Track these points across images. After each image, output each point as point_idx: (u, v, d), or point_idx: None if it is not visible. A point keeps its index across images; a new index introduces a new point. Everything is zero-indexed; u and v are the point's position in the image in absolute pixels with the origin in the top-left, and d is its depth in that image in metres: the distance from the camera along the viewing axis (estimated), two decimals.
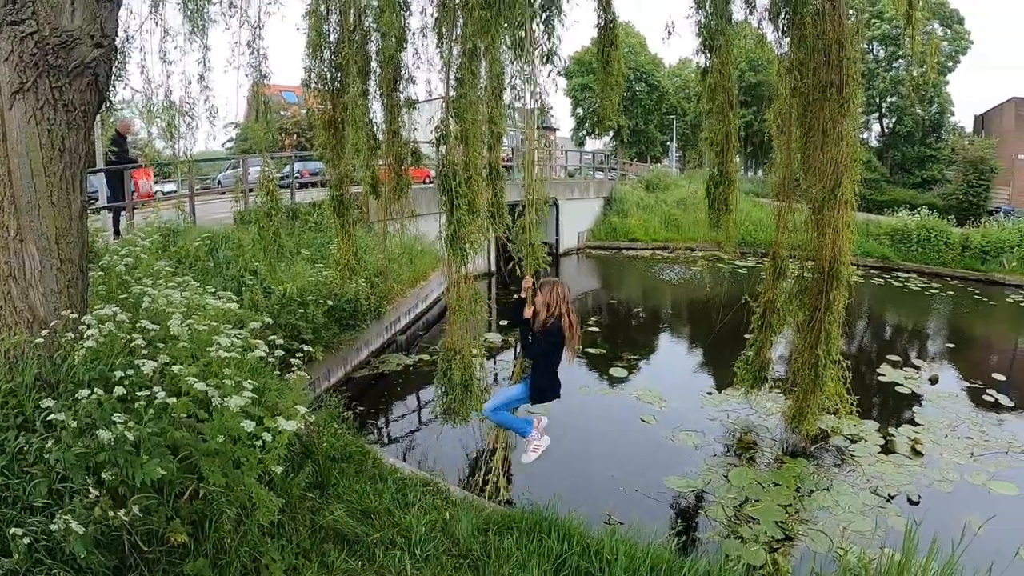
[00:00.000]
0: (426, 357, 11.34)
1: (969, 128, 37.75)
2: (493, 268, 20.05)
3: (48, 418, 3.30)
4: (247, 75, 6.48)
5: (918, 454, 8.13)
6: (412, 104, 8.16)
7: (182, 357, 3.71)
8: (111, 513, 2.93)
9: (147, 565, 3.09)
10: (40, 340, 3.75)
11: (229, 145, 30.61)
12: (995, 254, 21.99)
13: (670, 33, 7.71)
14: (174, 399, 3.27)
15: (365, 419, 8.86)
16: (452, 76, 6.04)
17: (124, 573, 3.07)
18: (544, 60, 6.73)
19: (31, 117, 3.95)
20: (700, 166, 51.49)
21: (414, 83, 8.57)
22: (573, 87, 47.04)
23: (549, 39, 7.61)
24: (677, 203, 29.02)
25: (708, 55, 8.49)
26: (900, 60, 35.75)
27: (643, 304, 18.82)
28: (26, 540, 2.89)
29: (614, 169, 33.55)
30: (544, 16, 7.24)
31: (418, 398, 10.04)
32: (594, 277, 23.13)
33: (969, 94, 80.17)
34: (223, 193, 18.47)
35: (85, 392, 3.21)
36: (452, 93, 6.08)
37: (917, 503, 6.98)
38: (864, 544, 5.98)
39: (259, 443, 3.30)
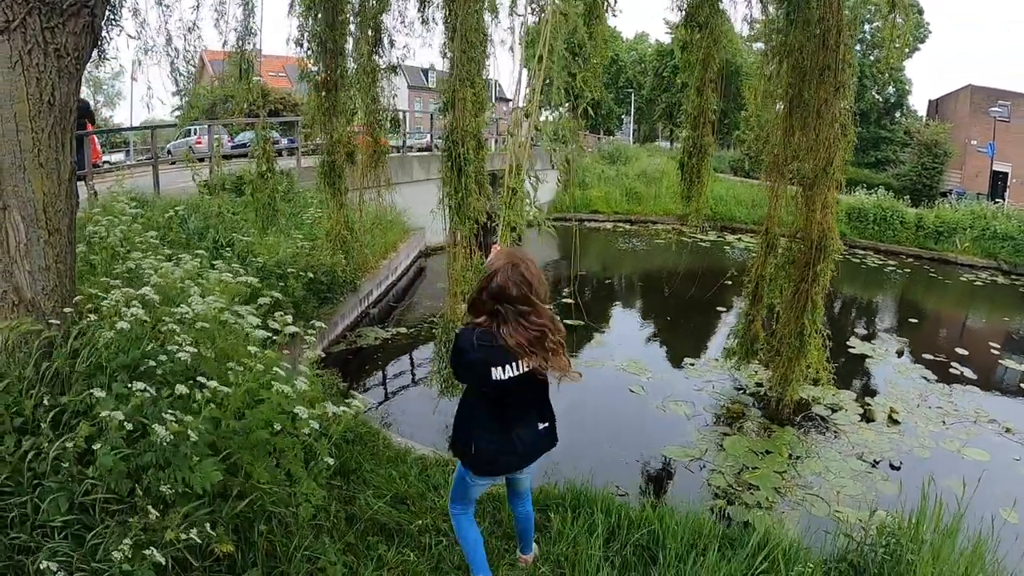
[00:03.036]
0: (403, 330, 11.11)
1: (922, 112, 38.92)
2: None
3: (55, 417, 2.77)
4: (234, 30, 6.05)
5: (895, 422, 8.40)
6: (395, 69, 7.86)
7: (203, 339, 3.39)
8: (181, 535, 2.48)
9: None
10: (55, 323, 3.25)
11: (177, 113, 29.18)
12: (948, 234, 22.79)
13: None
14: (226, 389, 2.92)
15: (347, 397, 8.64)
16: (461, 40, 5.75)
17: None
18: None
19: (17, 62, 3.31)
20: (653, 140, 52.09)
21: (394, 46, 8.29)
22: (530, 57, 46.37)
23: None
24: (638, 176, 29.06)
25: (690, 30, 8.46)
26: (859, 43, 36.50)
27: (611, 276, 18.90)
28: (60, 574, 2.38)
29: (573, 141, 33.27)
30: None
31: (403, 372, 9.85)
32: (557, 249, 23.06)
33: (923, 80, 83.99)
34: (173, 163, 17.69)
35: (139, 385, 2.74)
36: (461, 56, 5.80)
37: (899, 468, 7.23)
38: (858, 507, 6.14)
39: (306, 432, 3.06)
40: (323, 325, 5.68)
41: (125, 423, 2.62)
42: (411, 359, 10.31)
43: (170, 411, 2.72)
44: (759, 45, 10.06)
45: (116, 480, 2.61)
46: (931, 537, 3.80)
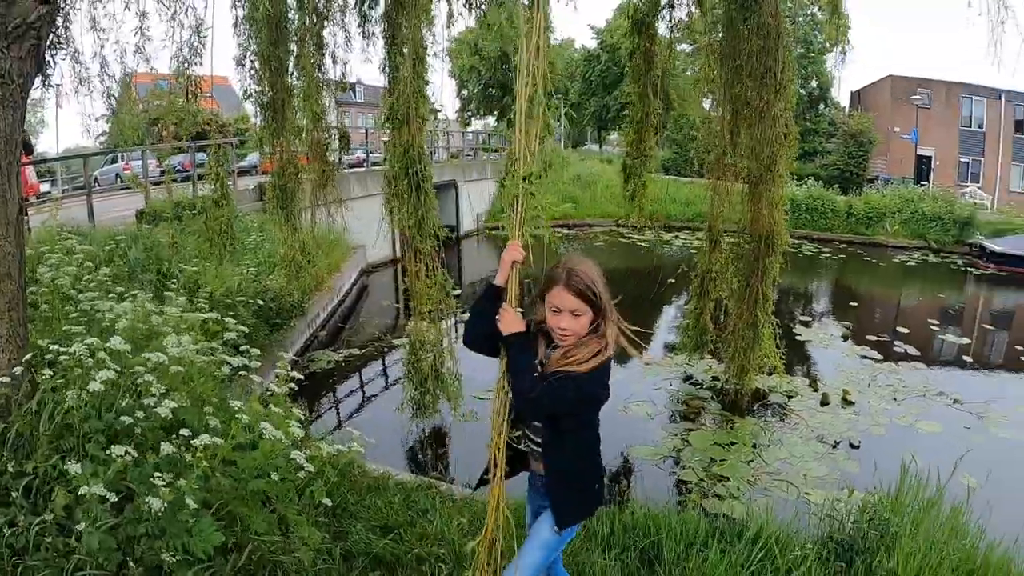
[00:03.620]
0: (355, 351, 10.88)
1: (845, 103, 40.47)
2: (398, 254, 19.45)
3: (26, 485, 2.52)
4: (173, 56, 5.80)
5: (849, 403, 8.74)
6: (343, 86, 7.73)
7: (177, 386, 3.21)
8: None
9: None
10: (8, 380, 2.92)
11: (102, 139, 27.99)
12: (878, 219, 23.87)
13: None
14: (219, 440, 2.70)
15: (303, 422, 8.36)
16: (411, 55, 5.69)
17: None
18: None
19: None
20: (583, 144, 52.74)
21: (336, 62, 8.16)
22: (459, 68, 46.54)
23: None
24: (573, 180, 29.37)
25: (636, 38, 8.64)
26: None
27: None
28: None
29: (506, 149, 33.49)
30: None
31: (360, 395, 9.63)
32: (497, 258, 22.91)
33: (843, 72, 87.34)
34: (98, 190, 16.93)
35: (119, 450, 2.49)
36: (411, 72, 5.74)
37: (858, 447, 7.51)
38: (825, 487, 6.36)
39: (300, 475, 2.93)
40: (295, 358, 5.53)
41: (107, 496, 2.39)
42: (367, 381, 10.09)
43: (158, 474, 2.51)
44: (684, 47, 10.38)
45: (105, 555, 2.37)
46: (912, 510, 3.94)
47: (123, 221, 10.54)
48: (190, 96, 6.44)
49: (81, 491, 2.37)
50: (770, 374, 8.59)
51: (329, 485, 3.31)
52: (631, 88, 9.26)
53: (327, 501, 3.01)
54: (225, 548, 2.63)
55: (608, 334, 2.30)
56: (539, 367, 2.33)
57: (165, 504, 2.39)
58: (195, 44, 5.85)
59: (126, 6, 5.15)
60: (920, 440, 7.61)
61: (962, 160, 34.38)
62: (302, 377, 4.33)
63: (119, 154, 20.00)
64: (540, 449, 2.39)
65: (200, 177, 17.24)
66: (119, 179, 19.69)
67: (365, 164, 19.41)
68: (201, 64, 6.08)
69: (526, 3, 2.44)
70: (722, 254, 8.62)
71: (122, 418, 2.78)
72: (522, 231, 2.40)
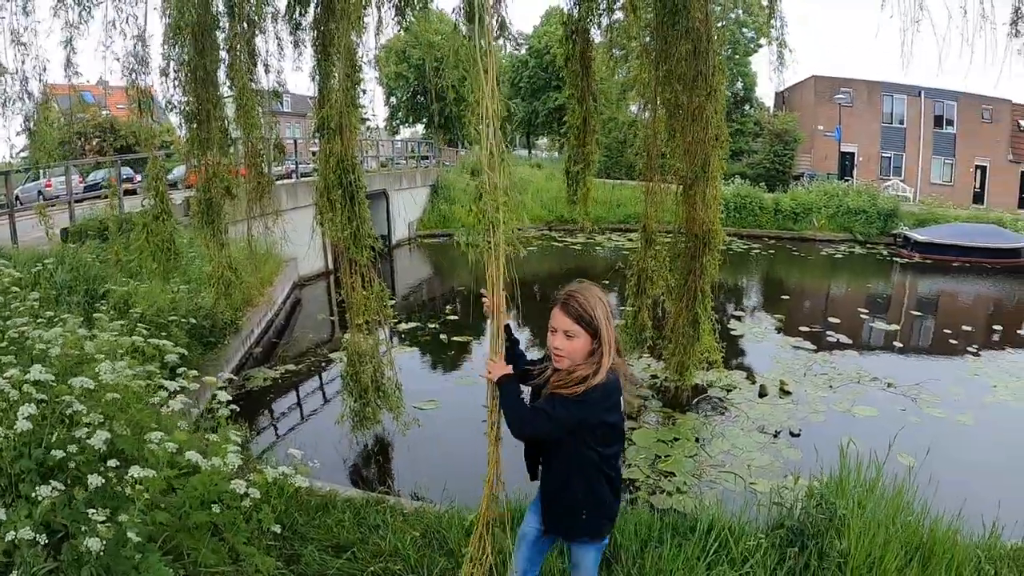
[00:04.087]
0: (291, 367, 10.58)
1: (769, 103, 41.83)
2: (330, 266, 19.11)
3: None
4: (117, 59, 5.53)
5: (787, 393, 9.00)
6: (278, 94, 7.54)
7: (113, 414, 3.05)
8: None
9: None
10: None
11: (23, 155, 26.52)
12: (805, 214, 24.81)
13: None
14: (151, 472, 2.53)
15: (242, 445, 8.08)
16: (345, 63, 5.58)
17: None
18: None
19: None
20: (511, 149, 52.88)
21: (269, 71, 7.98)
22: (387, 75, 46.04)
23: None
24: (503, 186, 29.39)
25: (572, 43, 8.73)
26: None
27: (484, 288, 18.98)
28: None
29: (436, 157, 33.47)
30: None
31: (299, 412, 9.38)
32: (431, 266, 22.81)
33: (766, 73, 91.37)
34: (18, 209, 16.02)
35: (44, 490, 2.33)
36: (345, 80, 5.63)
37: (798, 435, 7.72)
38: (770, 476, 6.54)
39: (247, 505, 2.82)
40: (232, 376, 5.34)
41: (38, 538, 2.23)
42: (306, 397, 9.84)
43: (92, 510, 2.36)
44: (613, 51, 10.57)
45: None
46: (856, 491, 4.07)
47: (48, 240, 10.01)
48: (143, 109, 6.13)
49: (8, 536, 2.23)
50: (708, 369, 8.78)
51: (278, 513, 3.20)
52: (569, 93, 9.32)
53: (276, 528, 2.92)
54: None
55: (602, 362, 2.36)
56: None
57: (104, 542, 2.27)
58: (141, 54, 5.61)
59: (54, 13, 4.90)
60: (858, 424, 7.91)
61: (884, 155, 36.16)
62: (231, 399, 4.20)
63: (41, 170, 19.02)
64: (541, 465, 2.62)
65: (128, 192, 16.64)
66: (41, 196, 18.69)
67: (294, 175, 18.96)
68: (148, 74, 5.85)
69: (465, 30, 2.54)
70: (658, 253, 8.77)
71: (53, 453, 2.63)
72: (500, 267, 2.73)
